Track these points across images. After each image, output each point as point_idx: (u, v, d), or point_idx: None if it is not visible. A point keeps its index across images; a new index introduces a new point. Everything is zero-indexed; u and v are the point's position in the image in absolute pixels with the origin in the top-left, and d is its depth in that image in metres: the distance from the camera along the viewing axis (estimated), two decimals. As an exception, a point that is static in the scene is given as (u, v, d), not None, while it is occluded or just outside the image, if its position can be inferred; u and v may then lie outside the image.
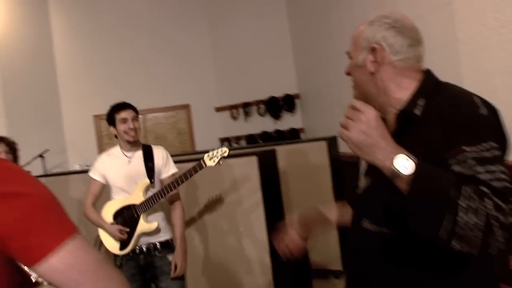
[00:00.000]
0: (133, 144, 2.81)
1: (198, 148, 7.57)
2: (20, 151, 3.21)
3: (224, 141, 7.54)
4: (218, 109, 7.72)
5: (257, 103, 7.34)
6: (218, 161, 2.61)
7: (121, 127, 2.74)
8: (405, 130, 1.20)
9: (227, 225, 3.49)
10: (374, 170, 1.15)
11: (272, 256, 3.31)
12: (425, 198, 1.02)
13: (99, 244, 2.87)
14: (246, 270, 3.42)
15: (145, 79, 7.38)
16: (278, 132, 7.13)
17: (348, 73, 1.37)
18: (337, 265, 4.21)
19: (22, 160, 5.39)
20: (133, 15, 7.52)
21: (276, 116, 7.22)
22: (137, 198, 2.70)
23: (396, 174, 1.04)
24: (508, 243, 0.99)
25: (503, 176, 1.02)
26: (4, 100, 6.41)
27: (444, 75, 1.31)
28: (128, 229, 2.70)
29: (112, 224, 2.75)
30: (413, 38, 1.24)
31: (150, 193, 2.72)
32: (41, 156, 5.88)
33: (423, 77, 1.25)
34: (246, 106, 7.43)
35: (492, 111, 1.13)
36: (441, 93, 1.20)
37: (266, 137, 7.16)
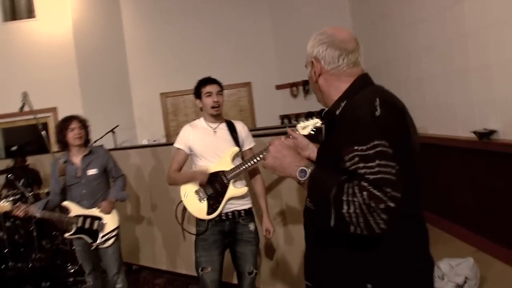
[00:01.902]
0: (217, 117, 2.94)
1: (259, 125, 7.77)
2: (93, 127, 3.65)
3: (284, 118, 7.67)
4: (279, 87, 7.84)
5: (317, 81, 7.36)
6: (311, 130, 2.51)
7: (206, 100, 2.88)
8: (331, 128, 1.45)
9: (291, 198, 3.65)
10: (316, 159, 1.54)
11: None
12: (317, 198, 1.33)
13: (183, 210, 2.94)
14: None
15: (208, 59, 7.64)
16: (336, 110, 7.12)
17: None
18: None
19: (96, 135, 5.91)
20: (196, -3, 7.80)
21: (335, 94, 7.20)
22: (226, 164, 2.79)
23: (299, 181, 1.36)
24: (390, 224, 1.18)
25: (381, 169, 1.19)
26: (80, 81, 7.01)
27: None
28: (207, 169, 2.77)
29: (196, 190, 2.82)
30: (343, 49, 1.45)
31: (236, 162, 2.82)
32: (112, 131, 6.36)
33: (353, 81, 1.46)
34: (306, 83, 7.48)
35: (391, 112, 1.29)
36: (357, 95, 1.39)
37: (325, 114, 7.17)
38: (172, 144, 3.13)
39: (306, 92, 7.48)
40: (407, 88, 5.32)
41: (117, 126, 6.44)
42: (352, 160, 1.24)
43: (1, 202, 3.23)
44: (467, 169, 4.17)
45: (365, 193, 1.18)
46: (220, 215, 2.81)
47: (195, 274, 2.92)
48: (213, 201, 2.80)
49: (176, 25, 7.77)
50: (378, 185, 1.18)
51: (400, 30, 5.40)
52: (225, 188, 2.79)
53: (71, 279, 4.51)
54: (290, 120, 7.62)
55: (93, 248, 3.30)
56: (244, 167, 2.76)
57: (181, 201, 2.89)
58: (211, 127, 2.95)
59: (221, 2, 7.77)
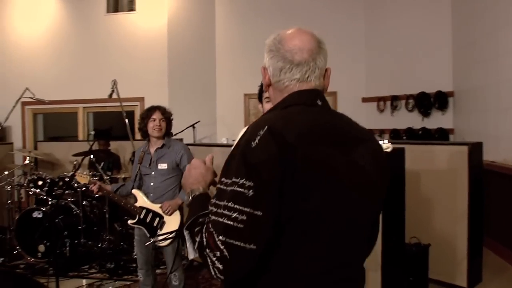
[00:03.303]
0: None
1: (340, 136, 7.53)
2: (175, 120, 3.64)
3: (367, 133, 7.35)
4: (365, 100, 7.56)
5: (407, 97, 6.99)
6: None
7: (266, 106, 2.75)
8: None
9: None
10: None
11: (384, 261, 3.19)
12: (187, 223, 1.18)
13: None
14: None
15: (296, 64, 7.55)
16: (424, 130, 6.69)
17: None
18: (461, 281, 3.88)
19: (177, 128, 6.06)
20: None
21: (425, 113, 6.78)
22: None
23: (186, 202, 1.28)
24: (229, 275, 1.04)
25: (226, 212, 1.02)
26: (168, 75, 7.26)
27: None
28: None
29: None
30: (288, 61, 1.19)
31: None
32: (193, 126, 6.49)
33: (282, 99, 1.22)
34: (394, 99, 7.14)
35: (270, 145, 1.04)
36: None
37: (412, 134, 6.78)
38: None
39: (394, 108, 7.12)
40: (496, 117, 4.82)
41: (198, 121, 6.55)
42: (216, 192, 1.10)
43: (83, 173, 3.35)
44: None
45: (204, 235, 1.06)
46: None
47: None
48: None
49: (268, 27, 7.63)
50: (216, 231, 1.04)
51: (504, 53, 4.91)
52: None
53: (134, 265, 4.63)
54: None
55: (147, 244, 3.27)
56: None
57: None
58: None
59: (317, 7, 7.64)
